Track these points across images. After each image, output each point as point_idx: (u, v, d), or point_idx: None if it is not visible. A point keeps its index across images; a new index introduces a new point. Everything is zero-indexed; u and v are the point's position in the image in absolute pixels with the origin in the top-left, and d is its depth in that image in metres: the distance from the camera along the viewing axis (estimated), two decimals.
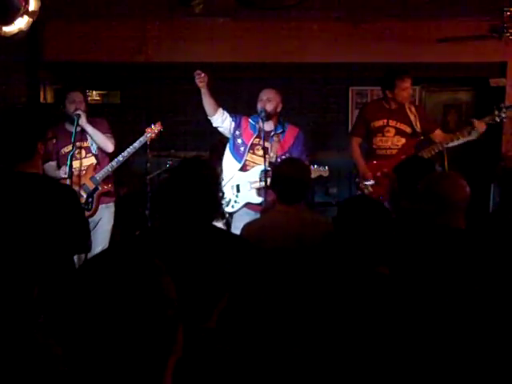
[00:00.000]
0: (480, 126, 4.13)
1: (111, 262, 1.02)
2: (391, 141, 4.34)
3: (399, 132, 4.33)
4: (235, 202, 4.08)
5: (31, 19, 3.44)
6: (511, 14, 4.83)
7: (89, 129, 4.03)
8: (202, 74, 3.92)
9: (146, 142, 4.32)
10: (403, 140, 4.32)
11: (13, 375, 1.28)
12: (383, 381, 1.75)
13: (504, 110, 4.19)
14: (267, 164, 3.87)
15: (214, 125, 4.17)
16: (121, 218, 4.51)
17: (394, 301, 1.89)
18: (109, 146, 4.09)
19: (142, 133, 4.25)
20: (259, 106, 4.03)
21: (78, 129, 3.95)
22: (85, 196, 3.98)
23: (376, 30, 5.35)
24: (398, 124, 4.33)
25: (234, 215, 4.10)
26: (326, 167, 4.10)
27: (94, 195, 4.01)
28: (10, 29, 3.43)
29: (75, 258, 3.02)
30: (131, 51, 5.35)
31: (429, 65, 5.54)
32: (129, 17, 5.19)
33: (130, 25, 5.31)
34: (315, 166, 4.03)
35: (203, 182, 2.28)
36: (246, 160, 4.11)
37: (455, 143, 4.27)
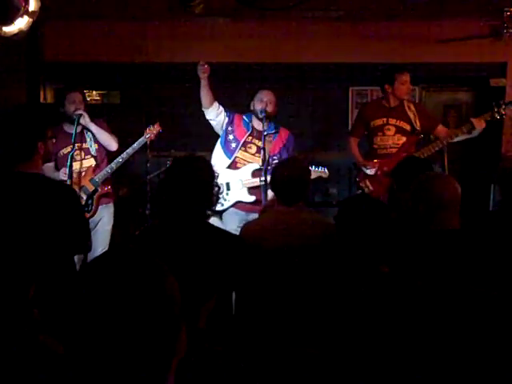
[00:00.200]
0: (479, 124, 4.14)
1: (115, 264, 1.02)
2: (392, 139, 4.35)
3: (399, 130, 4.34)
4: (224, 200, 4.08)
5: (31, 19, 3.44)
6: (511, 14, 4.83)
7: (93, 127, 4.03)
8: (206, 65, 3.97)
9: (146, 142, 4.32)
10: (404, 138, 4.32)
11: (10, 372, 1.28)
12: (385, 379, 1.76)
13: (503, 106, 4.19)
14: (261, 163, 3.92)
15: (208, 117, 4.18)
16: (121, 218, 4.51)
17: (396, 300, 1.90)
18: (113, 144, 4.10)
19: (142, 133, 4.26)
20: (259, 107, 4.05)
21: (79, 129, 3.95)
22: (84, 198, 3.98)
23: (376, 30, 5.35)
24: (398, 122, 4.34)
25: (223, 215, 4.10)
26: (326, 168, 4.11)
27: (94, 197, 4.02)
28: (10, 29, 3.43)
29: (75, 257, 3.02)
30: (131, 51, 5.35)
31: (429, 65, 5.54)
32: (129, 17, 5.18)
33: (130, 25, 5.31)
34: (314, 167, 4.04)
35: (197, 179, 2.28)
36: (237, 157, 4.13)
37: (455, 139, 4.28)
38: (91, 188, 4.03)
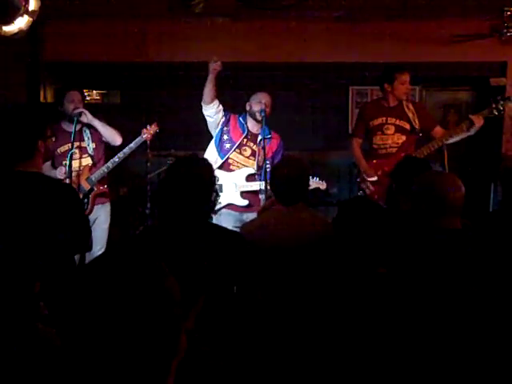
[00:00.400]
0: (478, 121, 4.14)
1: (116, 264, 1.02)
2: (391, 139, 4.34)
3: (399, 129, 4.33)
4: None
5: (31, 19, 3.44)
6: (511, 13, 4.83)
7: (96, 122, 4.04)
8: (219, 62, 3.95)
9: (146, 141, 4.32)
10: (403, 137, 4.32)
11: (13, 364, 1.28)
12: (382, 378, 1.75)
13: (501, 102, 4.19)
14: (256, 167, 3.97)
15: (205, 113, 4.15)
16: (121, 217, 4.51)
17: (392, 300, 1.89)
18: (117, 138, 4.10)
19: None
20: (258, 108, 4.04)
21: (77, 127, 3.95)
22: (81, 197, 3.98)
23: (376, 30, 5.35)
24: (398, 121, 4.33)
25: (216, 216, 4.09)
26: (324, 182, 4.15)
27: (90, 196, 4.01)
28: (10, 28, 3.43)
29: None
30: (131, 51, 5.36)
31: (429, 65, 5.54)
32: (129, 17, 5.19)
33: (130, 25, 5.31)
34: (314, 178, 4.07)
35: (198, 179, 2.28)
36: (230, 158, 4.12)
37: (454, 139, 4.28)
38: (87, 187, 4.03)
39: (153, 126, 4.27)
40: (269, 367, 1.96)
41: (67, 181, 3.76)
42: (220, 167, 4.11)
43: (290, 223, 2.76)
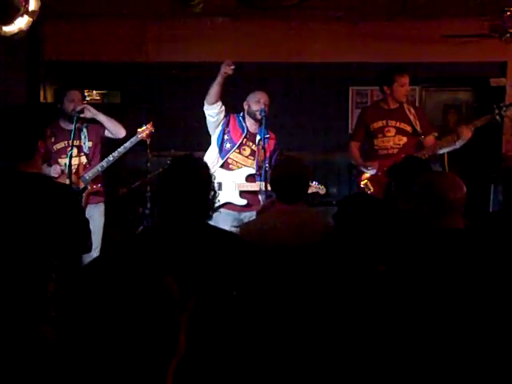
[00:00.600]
0: (466, 133, 4.10)
1: (115, 265, 1.02)
2: (392, 140, 4.32)
3: (400, 131, 4.31)
4: None
5: (31, 19, 3.44)
6: (511, 13, 4.83)
7: (100, 116, 4.04)
8: (233, 66, 3.91)
9: (146, 142, 4.31)
10: (405, 139, 4.29)
11: (12, 363, 1.28)
12: (384, 378, 1.75)
13: (504, 108, 4.19)
14: (255, 167, 3.95)
15: (207, 112, 4.11)
16: (121, 217, 4.51)
17: (394, 299, 1.89)
18: (122, 131, 4.11)
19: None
20: (257, 107, 4.03)
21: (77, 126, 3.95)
22: None
23: (376, 29, 5.36)
24: (398, 123, 4.32)
25: (214, 215, 4.07)
26: (324, 187, 4.14)
27: (83, 194, 4.00)
28: (10, 28, 3.43)
29: None
30: (131, 51, 5.36)
31: (429, 65, 5.54)
32: (129, 17, 5.19)
33: (130, 25, 5.32)
34: (313, 183, 4.06)
35: (196, 179, 2.28)
36: (229, 158, 4.12)
37: (443, 150, 4.27)
38: (81, 185, 4.02)
39: (148, 126, 4.26)
40: (269, 367, 1.96)
41: (67, 181, 3.75)
42: (221, 166, 4.12)
43: (291, 222, 2.76)
